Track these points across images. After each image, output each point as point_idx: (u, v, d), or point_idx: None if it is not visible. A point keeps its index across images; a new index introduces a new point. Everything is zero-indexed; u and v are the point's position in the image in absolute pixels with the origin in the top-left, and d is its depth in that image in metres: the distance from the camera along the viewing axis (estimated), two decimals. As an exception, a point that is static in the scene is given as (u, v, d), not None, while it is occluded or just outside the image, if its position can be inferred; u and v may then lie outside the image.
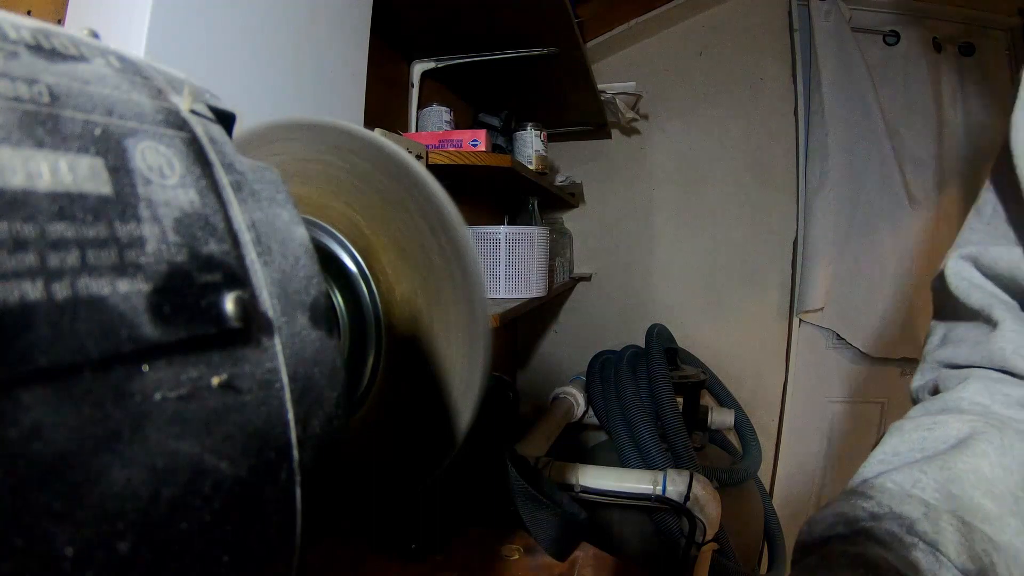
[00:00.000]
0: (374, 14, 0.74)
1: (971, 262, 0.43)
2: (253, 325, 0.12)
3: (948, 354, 0.44)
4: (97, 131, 0.11)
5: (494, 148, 1.16)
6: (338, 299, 0.24)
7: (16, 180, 0.09)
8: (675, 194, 1.82)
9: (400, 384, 0.24)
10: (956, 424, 0.37)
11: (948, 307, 0.46)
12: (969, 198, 1.14)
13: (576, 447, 1.49)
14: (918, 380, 0.47)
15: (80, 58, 0.12)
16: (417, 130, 1.15)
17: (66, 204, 0.10)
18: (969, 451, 0.34)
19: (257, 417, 0.12)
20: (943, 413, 0.39)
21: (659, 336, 1.51)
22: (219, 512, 0.11)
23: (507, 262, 1.09)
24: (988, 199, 0.44)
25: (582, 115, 1.65)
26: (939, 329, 0.47)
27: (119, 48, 0.14)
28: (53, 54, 0.12)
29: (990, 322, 0.41)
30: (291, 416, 0.13)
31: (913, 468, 0.35)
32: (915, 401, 0.46)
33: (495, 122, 1.34)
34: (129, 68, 0.13)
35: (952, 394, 0.40)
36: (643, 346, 1.48)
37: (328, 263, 0.24)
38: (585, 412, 1.40)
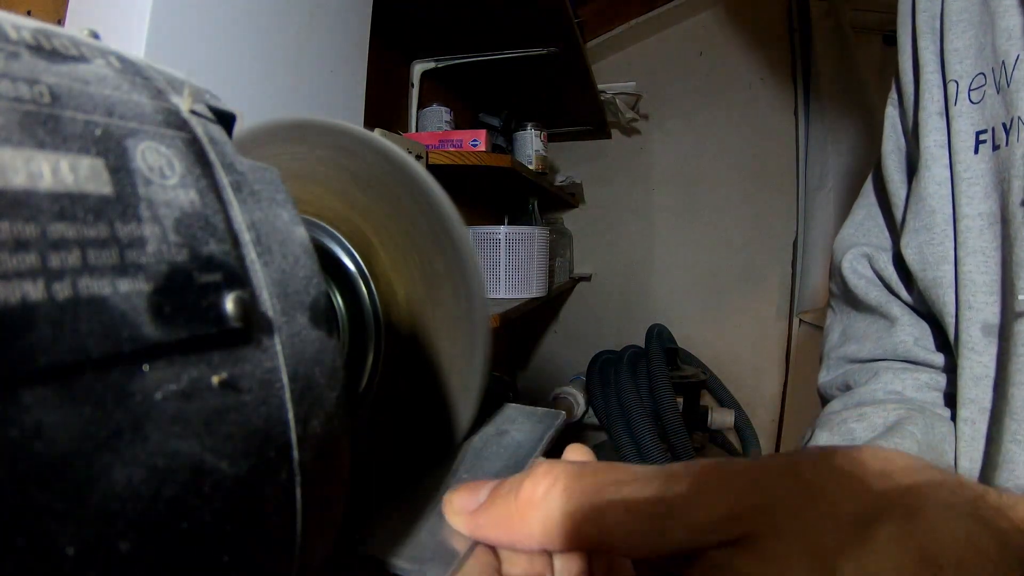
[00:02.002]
0: (374, 14, 0.74)
1: (867, 260, 0.47)
2: (253, 325, 0.12)
3: (852, 350, 0.48)
4: (98, 131, 0.11)
5: (494, 148, 1.16)
6: (338, 299, 0.24)
7: (18, 180, 0.09)
8: (675, 194, 1.82)
9: (400, 384, 0.24)
10: (882, 413, 0.41)
11: (844, 301, 0.51)
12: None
13: (576, 447, 1.48)
14: (824, 376, 0.50)
15: (80, 58, 0.12)
16: (417, 130, 1.15)
17: (67, 204, 0.10)
18: (899, 435, 0.38)
19: (257, 417, 0.12)
20: (862, 406, 0.42)
21: (659, 336, 1.51)
22: (219, 512, 0.11)
23: (507, 262, 1.09)
24: (862, 204, 0.50)
25: (582, 115, 1.65)
26: (836, 326, 0.51)
27: (119, 48, 0.14)
28: (54, 55, 0.12)
29: (888, 318, 0.45)
30: (291, 416, 0.13)
31: None
32: (824, 396, 0.49)
33: (495, 122, 1.34)
34: (129, 69, 0.13)
35: (866, 388, 0.44)
36: (643, 346, 1.48)
37: (328, 263, 0.24)
38: (585, 412, 1.40)
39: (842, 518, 0.13)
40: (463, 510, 0.17)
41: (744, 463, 0.15)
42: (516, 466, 0.21)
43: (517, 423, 0.24)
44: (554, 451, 0.23)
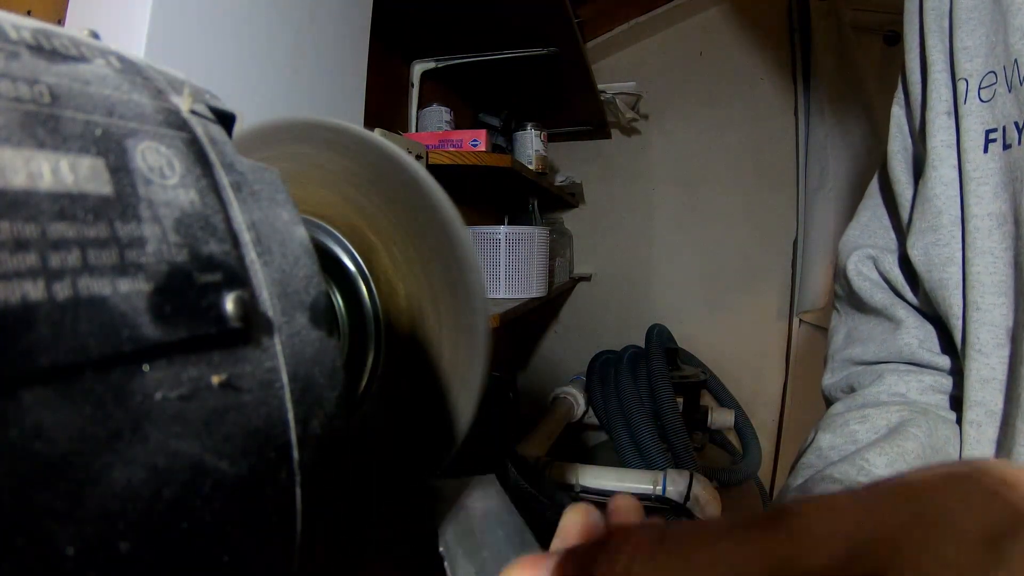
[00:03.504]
0: (374, 14, 0.74)
1: (872, 262, 0.46)
2: (253, 325, 0.12)
3: (857, 352, 0.47)
4: (98, 131, 0.11)
5: (494, 148, 1.16)
6: (338, 299, 0.24)
7: (18, 180, 0.09)
8: (675, 194, 1.82)
9: (400, 383, 0.24)
10: (884, 415, 0.40)
11: (849, 303, 0.50)
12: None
13: (576, 447, 1.49)
14: (829, 379, 0.50)
15: (81, 58, 0.12)
16: (417, 130, 1.15)
17: (67, 204, 0.10)
18: (901, 436, 0.38)
19: (257, 417, 0.12)
20: (866, 408, 0.42)
21: (659, 336, 1.51)
22: (219, 512, 0.11)
23: (507, 262, 1.09)
24: (867, 206, 0.49)
25: (582, 115, 1.65)
26: (841, 328, 0.51)
27: (119, 48, 0.14)
28: (54, 54, 0.12)
29: (893, 320, 0.45)
30: (291, 416, 0.13)
31: (855, 457, 0.38)
32: (828, 398, 0.49)
33: (495, 122, 1.34)
34: (129, 69, 0.13)
35: (870, 390, 0.44)
36: (643, 346, 1.48)
37: (328, 263, 0.24)
38: (585, 412, 1.40)
39: (969, 541, 0.12)
40: None
41: (848, 495, 0.13)
42: (517, 532, 0.23)
43: (468, 494, 0.25)
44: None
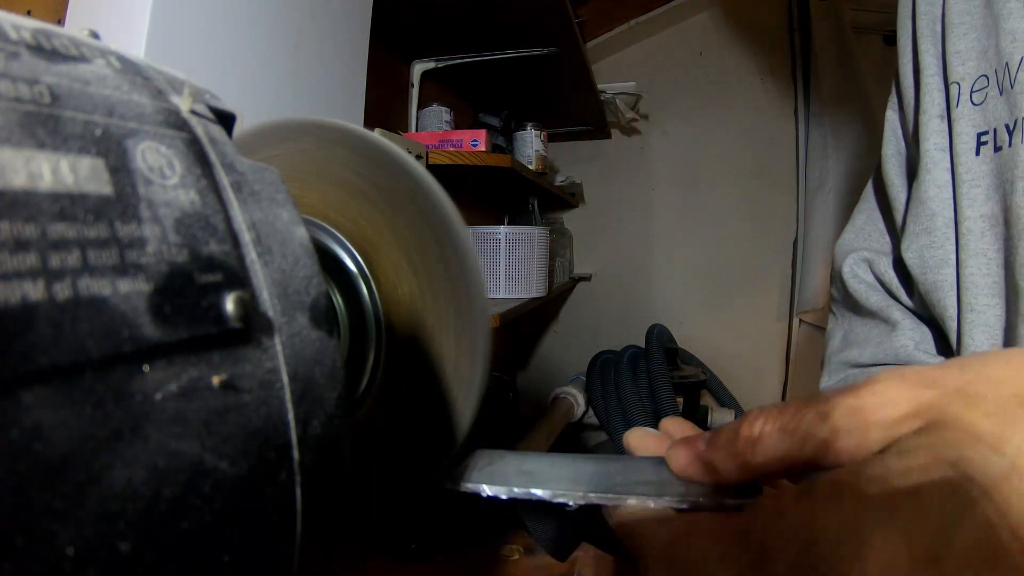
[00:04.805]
0: (374, 14, 0.74)
1: (867, 265, 0.47)
2: (253, 325, 0.12)
3: (853, 355, 0.47)
4: (98, 132, 0.11)
5: (494, 148, 1.16)
6: (338, 299, 0.24)
7: (18, 180, 0.09)
8: (675, 194, 1.82)
9: (400, 383, 0.24)
10: None
11: (845, 306, 0.51)
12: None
13: (576, 447, 1.48)
14: (826, 381, 0.50)
15: (81, 59, 0.12)
16: (417, 130, 1.15)
17: (67, 204, 0.10)
18: None
19: (257, 417, 0.12)
20: None
21: (659, 336, 1.51)
22: (219, 512, 0.11)
23: (507, 262, 1.09)
24: (862, 209, 0.50)
25: (582, 115, 1.65)
26: (837, 331, 0.51)
27: (119, 48, 0.14)
28: (54, 55, 0.12)
29: (888, 322, 0.45)
30: (291, 416, 0.13)
31: None
32: None
33: (495, 122, 1.34)
34: (129, 69, 0.13)
35: None
36: (643, 346, 1.48)
37: (328, 263, 0.24)
38: (585, 412, 1.40)
39: (1008, 399, 0.15)
40: (690, 457, 0.21)
41: (915, 368, 0.17)
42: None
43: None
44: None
